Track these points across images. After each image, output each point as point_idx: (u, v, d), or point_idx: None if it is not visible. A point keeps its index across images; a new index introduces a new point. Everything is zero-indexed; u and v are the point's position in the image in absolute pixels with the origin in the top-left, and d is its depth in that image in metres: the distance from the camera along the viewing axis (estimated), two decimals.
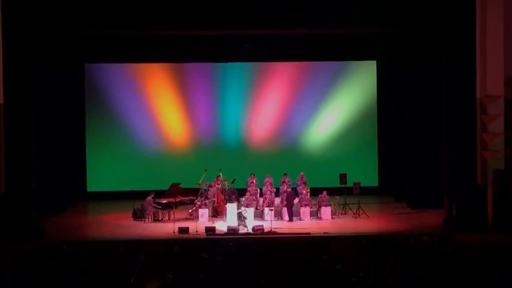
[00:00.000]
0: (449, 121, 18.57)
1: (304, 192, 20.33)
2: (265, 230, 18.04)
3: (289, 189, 20.50)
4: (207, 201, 20.29)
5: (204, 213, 19.77)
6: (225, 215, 19.74)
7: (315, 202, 20.40)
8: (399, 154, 23.22)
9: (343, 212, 20.62)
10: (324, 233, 17.78)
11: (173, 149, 24.24)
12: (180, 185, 20.67)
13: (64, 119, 22.28)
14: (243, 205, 19.37)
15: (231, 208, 19.56)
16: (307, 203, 20.20)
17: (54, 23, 17.80)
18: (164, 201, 20.05)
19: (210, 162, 22.37)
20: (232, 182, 21.11)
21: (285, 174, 21.43)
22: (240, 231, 17.98)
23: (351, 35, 21.26)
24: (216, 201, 20.43)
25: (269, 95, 24.09)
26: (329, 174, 22.44)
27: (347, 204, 20.67)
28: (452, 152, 18.51)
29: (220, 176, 20.88)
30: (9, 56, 17.36)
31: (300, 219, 19.84)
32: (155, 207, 19.96)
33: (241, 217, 18.51)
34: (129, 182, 23.13)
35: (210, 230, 17.80)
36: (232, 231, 17.88)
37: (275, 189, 20.95)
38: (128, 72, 24.09)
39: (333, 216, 20.13)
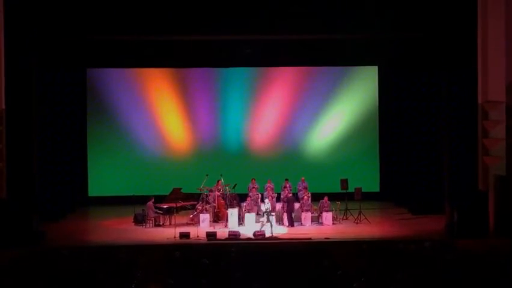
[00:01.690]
0: (450, 127, 18.56)
1: (305, 197, 20.33)
2: (266, 235, 18.04)
3: (290, 195, 20.49)
4: (207, 206, 20.28)
5: (205, 218, 19.76)
6: (226, 220, 19.75)
7: (316, 207, 20.39)
8: (400, 159, 23.23)
9: (344, 218, 20.61)
10: (325, 238, 17.78)
11: (174, 154, 24.26)
12: (181, 190, 20.68)
13: (66, 123, 22.27)
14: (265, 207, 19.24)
15: (233, 213, 19.61)
16: (308, 208, 20.19)
17: (56, 28, 17.85)
18: (165, 206, 20.06)
19: (211, 167, 22.37)
20: (234, 187, 21.10)
21: (286, 179, 21.42)
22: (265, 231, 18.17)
23: (353, 41, 21.28)
24: (216, 206, 20.42)
25: (270, 100, 24.12)
26: (330, 180, 22.41)
27: (348, 210, 20.66)
28: (453, 157, 18.49)
29: (221, 181, 20.87)
30: (12, 60, 17.37)
31: (301, 224, 19.83)
32: (157, 212, 19.97)
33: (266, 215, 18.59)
34: (130, 187, 23.11)
35: (211, 235, 17.80)
36: (233, 236, 17.88)
37: (276, 195, 20.93)
38: (129, 77, 24.12)
39: (334, 222, 20.13)
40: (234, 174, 22.06)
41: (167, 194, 20.69)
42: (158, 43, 21.24)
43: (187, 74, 24.31)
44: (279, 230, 18.97)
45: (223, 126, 24.21)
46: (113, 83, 24.05)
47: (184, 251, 13.98)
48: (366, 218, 20.18)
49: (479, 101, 17.75)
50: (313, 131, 24.25)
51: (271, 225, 18.51)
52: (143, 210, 20.06)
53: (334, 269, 11.77)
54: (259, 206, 20.59)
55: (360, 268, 12.58)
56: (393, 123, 23.66)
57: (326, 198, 20.30)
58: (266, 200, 19.37)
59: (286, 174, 21.99)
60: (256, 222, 19.24)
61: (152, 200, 20.00)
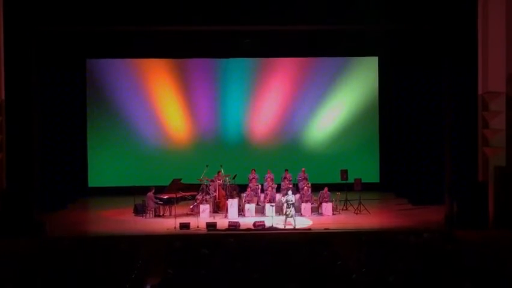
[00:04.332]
0: (450, 117, 18.54)
1: (305, 188, 20.34)
2: (266, 226, 18.06)
3: (290, 185, 20.51)
4: (207, 196, 20.30)
5: (205, 208, 19.78)
6: (226, 210, 19.79)
7: (316, 198, 20.41)
8: (400, 150, 23.24)
9: (344, 208, 20.64)
10: (325, 229, 17.80)
11: (174, 144, 24.26)
12: (181, 181, 20.70)
13: (65, 114, 22.30)
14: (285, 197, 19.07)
15: (232, 204, 19.64)
16: (308, 199, 20.21)
17: (55, 19, 17.76)
18: (165, 197, 20.08)
19: (211, 158, 22.40)
20: (234, 178, 21.11)
21: (286, 170, 21.43)
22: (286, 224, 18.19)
23: (353, 31, 21.23)
24: (217, 197, 20.46)
25: (270, 91, 24.11)
26: (330, 171, 22.43)
27: (348, 200, 20.68)
28: (453, 148, 18.49)
29: (221, 171, 20.89)
30: (11, 51, 17.34)
31: (301, 215, 19.84)
32: (157, 203, 19.99)
33: (288, 206, 18.53)
34: (130, 177, 23.17)
35: (211, 226, 17.83)
36: (233, 226, 17.92)
37: (276, 185, 20.95)
38: (129, 67, 24.10)
39: (334, 212, 20.16)
40: (234, 165, 22.07)
41: (167, 184, 20.73)
42: (158, 33, 21.18)
43: (186, 65, 24.27)
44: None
45: (223, 116, 24.20)
46: (113, 73, 24.02)
47: (184, 241, 14.00)
48: (366, 209, 20.21)
49: (480, 91, 17.74)
50: (313, 121, 24.24)
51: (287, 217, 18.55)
52: (143, 200, 20.08)
53: (334, 260, 11.78)
54: (260, 197, 20.64)
55: (360, 259, 12.61)
56: (393, 114, 23.65)
57: (325, 188, 20.33)
58: (290, 192, 19.24)
59: (286, 164, 21.99)
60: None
61: (153, 191, 20.02)
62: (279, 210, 19.49)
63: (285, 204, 18.70)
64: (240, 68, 24.19)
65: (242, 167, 21.98)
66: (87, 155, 23.91)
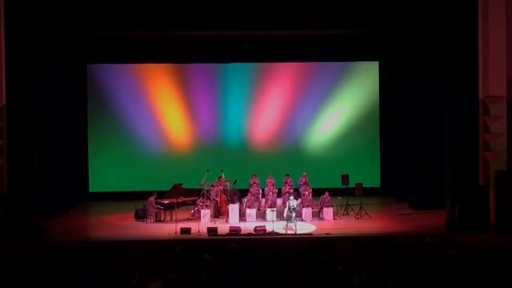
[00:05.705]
0: (451, 122, 18.56)
1: (306, 193, 20.33)
2: (267, 231, 18.05)
3: (291, 190, 20.51)
4: (208, 201, 20.30)
5: (206, 213, 19.77)
6: (227, 215, 19.78)
7: (317, 203, 20.40)
8: (401, 155, 23.23)
9: (345, 213, 20.63)
10: (326, 233, 17.79)
11: (175, 149, 24.24)
12: (182, 186, 20.70)
13: (66, 119, 22.32)
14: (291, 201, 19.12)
15: (233, 209, 19.63)
16: (309, 203, 20.20)
17: (56, 24, 17.82)
18: (166, 202, 20.08)
19: (211, 162, 22.37)
20: (234, 183, 21.11)
21: (287, 175, 21.43)
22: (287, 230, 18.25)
23: (353, 36, 21.24)
24: (218, 202, 20.45)
25: (271, 95, 24.09)
26: (330, 175, 22.43)
27: (349, 205, 20.67)
28: (454, 152, 18.50)
29: (222, 176, 20.89)
30: (12, 57, 17.36)
31: (302, 220, 19.82)
32: (157, 208, 19.98)
33: (290, 212, 18.55)
34: (131, 182, 23.13)
35: (212, 231, 17.81)
36: (234, 231, 17.90)
37: (277, 190, 20.94)
38: (130, 72, 24.10)
39: (335, 217, 20.16)
40: (235, 170, 22.07)
41: (168, 189, 20.72)
42: (159, 38, 21.22)
43: (187, 69, 24.28)
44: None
45: (223, 121, 24.19)
46: (114, 78, 24.03)
47: (185, 246, 13.99)
48: (367, 213, 20.20)
49: (480, 96, 17.73)
50: (314, 126, 24.22)
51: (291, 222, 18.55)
52: (144, 205, 20.08)
53: (335, 264, 11.77)
54: (261, 202, 20.64)
55: (361, 263, 12.59)
56: (394, 118, 23.64)
57: (326, 193, 20.32)
58: (291, 197, 19.28)
59: (286, 169, 21.99)
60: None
61: (154, 196, 20.02)
62: (280, 215, 19.48)
63: (286, 209, 18.72)
64: (241, 72, 24.18)
65: (243, 171, 21.98)
66: (88, 160, 23.89)
